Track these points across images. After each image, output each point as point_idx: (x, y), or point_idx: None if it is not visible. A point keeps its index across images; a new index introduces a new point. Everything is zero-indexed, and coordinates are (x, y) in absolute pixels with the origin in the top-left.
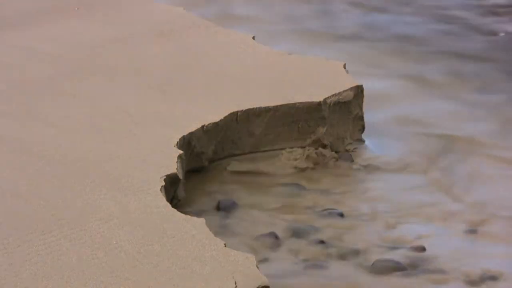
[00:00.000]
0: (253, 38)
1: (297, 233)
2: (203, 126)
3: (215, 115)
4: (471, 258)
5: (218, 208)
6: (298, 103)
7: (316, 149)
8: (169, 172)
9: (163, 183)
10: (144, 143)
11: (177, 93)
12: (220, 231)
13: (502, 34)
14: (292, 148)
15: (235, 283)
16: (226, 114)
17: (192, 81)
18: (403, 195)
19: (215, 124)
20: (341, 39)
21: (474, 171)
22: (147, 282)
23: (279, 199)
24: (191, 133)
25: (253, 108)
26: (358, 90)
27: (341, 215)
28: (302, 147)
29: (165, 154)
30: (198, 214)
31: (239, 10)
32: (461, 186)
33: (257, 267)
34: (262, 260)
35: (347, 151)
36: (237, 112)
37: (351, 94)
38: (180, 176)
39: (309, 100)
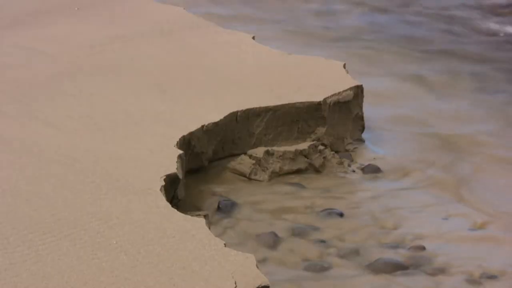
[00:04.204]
0: (253, 38)
1: (297, 233)
2: (203, 126)
3: (215, 115)
4: (470, 257)
5: (218, 208)
6: (298, 103)
7: (316, 146)
8: (169, 172)
9: (163, 183)
10: (144, 143)
11: (177, 93)
12: (220, 231)
13: (502, 35)
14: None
15: (235, 283)
16: (226, 114)
17: (192, 81)
18: (402, 194)
19: (215, 124)
20: (341, 39)
21: (474, 171)
22: (147, 282)
23: (279, 199)
24: (191, 133)
25: (253, 108)
26: (358, 90)
27: (341, 215)
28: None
29: (165, 154)
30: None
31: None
32: (460, 186)
33: (257, 267)
34: (262, 260)
35: (347, 150)
36: (237, 112)
37: (351, 94)
38: (180, 176)
39: (309, 100)
